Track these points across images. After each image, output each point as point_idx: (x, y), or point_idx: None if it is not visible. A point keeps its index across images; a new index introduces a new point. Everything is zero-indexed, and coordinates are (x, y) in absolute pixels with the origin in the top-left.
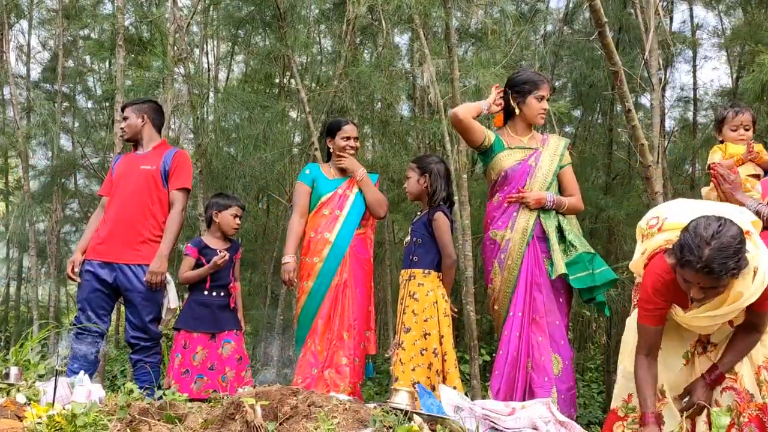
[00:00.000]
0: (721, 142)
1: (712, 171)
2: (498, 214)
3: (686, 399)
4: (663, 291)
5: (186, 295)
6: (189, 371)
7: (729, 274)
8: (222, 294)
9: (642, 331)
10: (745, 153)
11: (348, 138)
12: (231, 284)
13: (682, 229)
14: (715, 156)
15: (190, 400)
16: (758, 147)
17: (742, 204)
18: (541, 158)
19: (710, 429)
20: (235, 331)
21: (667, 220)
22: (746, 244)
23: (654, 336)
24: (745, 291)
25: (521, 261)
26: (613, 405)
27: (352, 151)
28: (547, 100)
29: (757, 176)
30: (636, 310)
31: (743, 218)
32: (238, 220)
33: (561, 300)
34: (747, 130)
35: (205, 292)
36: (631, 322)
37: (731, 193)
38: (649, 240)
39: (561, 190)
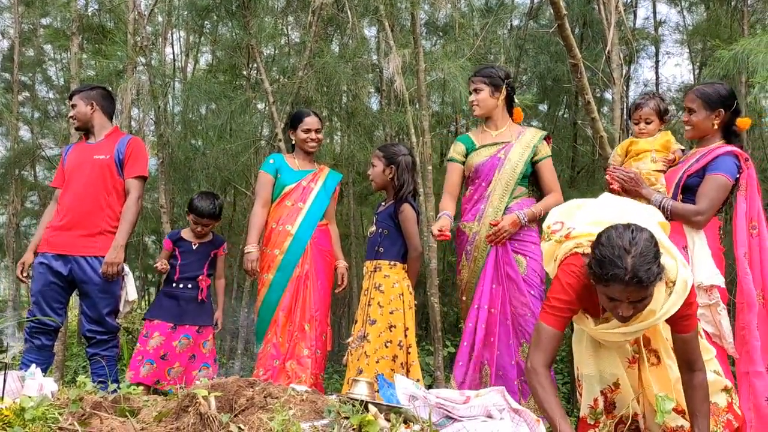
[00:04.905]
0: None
1: (609, 177)
2: (468, 207)
3: None
4: (578, 289)
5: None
6: (143, 357)
7: (655, 279)
8: (189, 286)
9: (544, 335)
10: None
11: (308, 130)
12: (200, 277)
13: (593, 245)
14: (617, 152)
15: (147, 388)
16: (665, 136)
17: (648, 199)
18: (511, 151)
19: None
20: (198, 327)
21: (574, 230)
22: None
23: (554, 341)
24: (657, 307)
25: (487, 254)
26: (581, 413)
27: (313, 144)
28: (476, 90)
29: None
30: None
31: (650, 220)
32: (199, 228)
33: (533, 293)
34: (648, 123)
35: (174, 284)
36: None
37: (636, 191)
38: (558, 247)
39: (540, 185)
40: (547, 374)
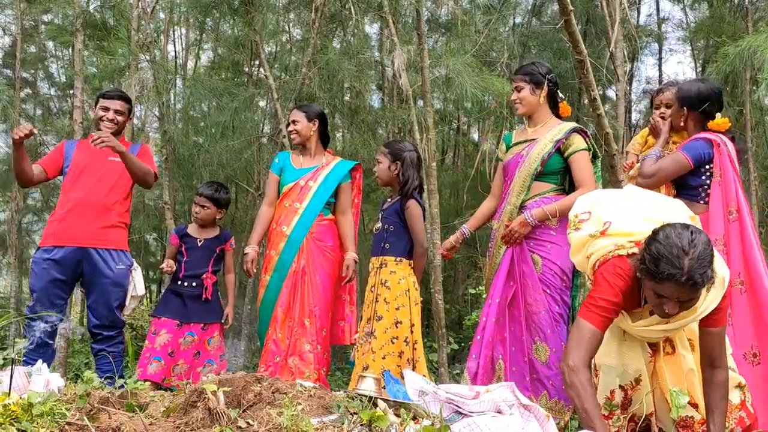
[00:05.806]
0: None
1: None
2: (499, 206)
3: None
4: (626, 292)
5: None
6: (151, 354)
7: (708, 282)
8: (194, 284)
9: (587, 333)
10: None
11: (287, 125)
12: (205, 275)
13: (648, 240)
14: (637, 140)
15: (154, 384)
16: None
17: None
18: (533, 147)
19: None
20: (203, 324)
21: (611, 226)
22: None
23: (596, 341)
24: (698, 305)
25: (503, 251)
26: None
27: (293, 135)
28: (517, 89)
29: None
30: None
31: (683, 214)
32: (197, 208)
33: (549, 291)
34: (669, 107)
35: (179, 282)
36: None
37: (664, 133)
38: (591, 241)
39: (573, 180)
40: (588, 374)
